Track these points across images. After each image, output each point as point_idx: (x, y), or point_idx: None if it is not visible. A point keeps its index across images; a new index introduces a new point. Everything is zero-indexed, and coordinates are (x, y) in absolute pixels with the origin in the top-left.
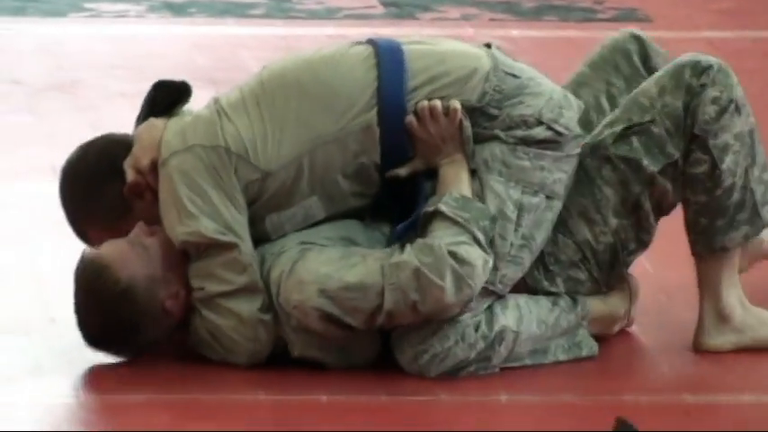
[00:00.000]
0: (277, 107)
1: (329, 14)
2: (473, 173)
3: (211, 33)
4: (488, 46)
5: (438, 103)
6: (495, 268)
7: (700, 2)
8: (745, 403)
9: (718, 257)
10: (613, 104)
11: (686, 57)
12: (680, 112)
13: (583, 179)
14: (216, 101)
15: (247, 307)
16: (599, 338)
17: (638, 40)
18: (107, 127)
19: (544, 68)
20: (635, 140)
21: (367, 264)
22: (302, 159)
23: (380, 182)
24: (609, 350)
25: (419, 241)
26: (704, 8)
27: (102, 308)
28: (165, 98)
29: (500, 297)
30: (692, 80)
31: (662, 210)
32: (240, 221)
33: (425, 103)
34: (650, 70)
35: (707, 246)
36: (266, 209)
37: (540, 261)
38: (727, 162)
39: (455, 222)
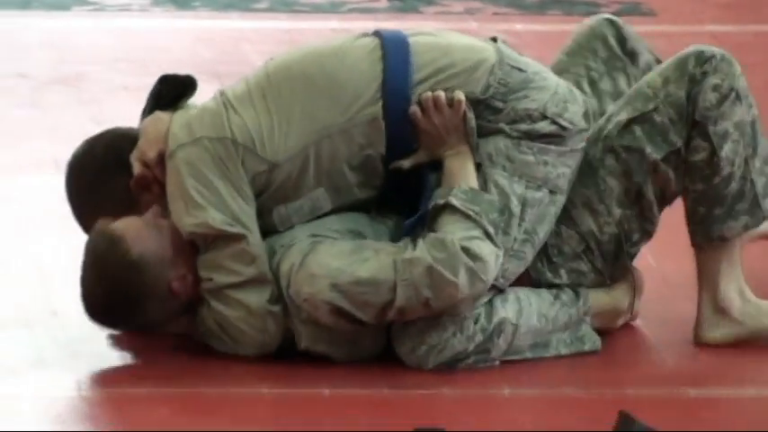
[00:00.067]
0: (283, 99)
1: (333, 8)
2: (477, 167)
3: (215, 27)
4: (494, 40)
5: (442, 94)
6: None
7: None
8: (746, 397)
9: (717, 248)
10: (594, 88)
11: (690, 48)
12: (683, 100)
13: (586, 170)
14: (222, 93)
15: (256, 298)
16: (602, 332)
17: (612, 24)
18: (111, 120)
19: (548, 63)
20: (638, 129)
21: (379, 258)
22: (308, 151)
23: (386, 174)
24: (611, 343)
25: (431, 236)
26: (708, 2)
27: (109, 276)
28: (171, 92)
29: (501, 291)
30: (696, 69)
31: (665, 199)
32: (248, 212)
33: (429, 93)
34: (628, 53)
35: (705, 235)
36: (273, 201)
37: (544, 253)
38: (726, 150)
39: (467, 216)
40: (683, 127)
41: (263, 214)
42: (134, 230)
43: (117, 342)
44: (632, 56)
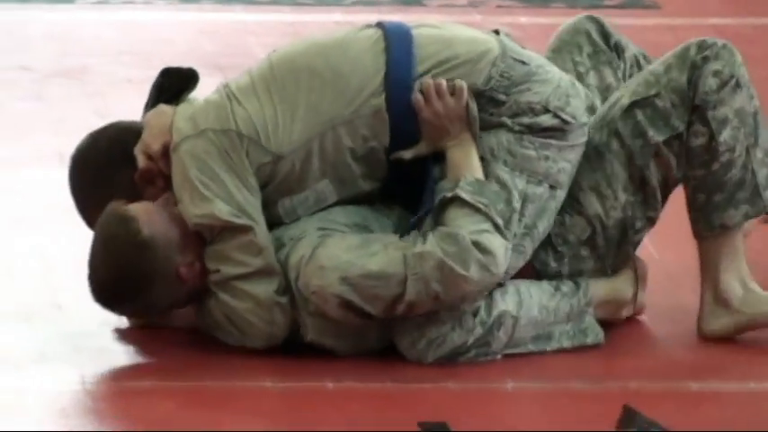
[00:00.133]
0: (287, 91)
1: (337, 1)
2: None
3: (219, 20)
4: (497, 32)
5: (443, 81)
6: None
7: None
8: (749, 390)
9: (718, 237)
10: (582, 83)
11: (694, 39)
12: (684, 86)
13: (594, 154)
14: (225, 86)
15: (264, 289)
16: (605, 324)
17: (594, 20)
18: (115, 113)
19: None
20: (639, 113)
21: (389, 252)
22: (313, 143)
23: (390, 166)
24: (614, 336)
25: (441, 230)
26: None
27: (117, 255)
28: (173, 85)
29: (500, 284)
30: (697, 56)
31: (668, 187)
32: (254, 204)
33: (431, 80)
34: (613, 47)
35: (706, 224)
36: (278, 192)
37: (549, 243)
38: (725, 135)
39: (476, 209)
40: (685, 112)
41: (267, 206)
42: (146, 213)
43: (121, 336)
44: (618, 49)
